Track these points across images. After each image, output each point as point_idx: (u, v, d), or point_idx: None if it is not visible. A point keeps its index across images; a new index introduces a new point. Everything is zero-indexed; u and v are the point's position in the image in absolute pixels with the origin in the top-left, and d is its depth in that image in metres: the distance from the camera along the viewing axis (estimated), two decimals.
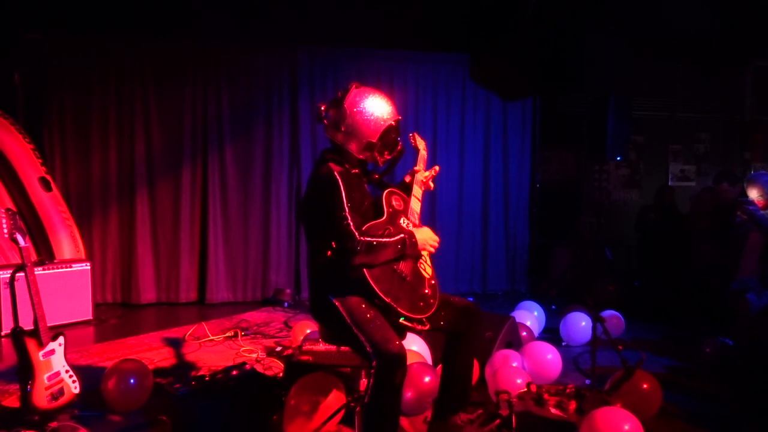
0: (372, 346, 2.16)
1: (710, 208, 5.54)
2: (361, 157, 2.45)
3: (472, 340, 2.56)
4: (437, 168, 2.82)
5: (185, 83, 5.76)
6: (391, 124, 2.44)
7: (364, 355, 2.24)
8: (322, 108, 2.49)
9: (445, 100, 6.36)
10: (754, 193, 4.34)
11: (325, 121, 2.46)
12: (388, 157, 2.51)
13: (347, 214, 2.22)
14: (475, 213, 6.50)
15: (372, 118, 2.40)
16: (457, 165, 6.41)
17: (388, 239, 2.27)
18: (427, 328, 2.38)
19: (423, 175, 2.73)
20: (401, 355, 2.16)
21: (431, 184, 2.77)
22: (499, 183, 6.56)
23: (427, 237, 2.44)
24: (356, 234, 2.20)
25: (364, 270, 2.22)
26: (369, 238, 2.22)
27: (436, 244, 2.46)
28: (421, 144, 2.86)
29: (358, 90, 2.45)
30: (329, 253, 2.31)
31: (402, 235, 2.31)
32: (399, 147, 2.51)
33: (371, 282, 2.22)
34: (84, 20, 5.53)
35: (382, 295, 2.22)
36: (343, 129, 2.42)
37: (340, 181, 2.27)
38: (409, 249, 2.34)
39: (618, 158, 6.17)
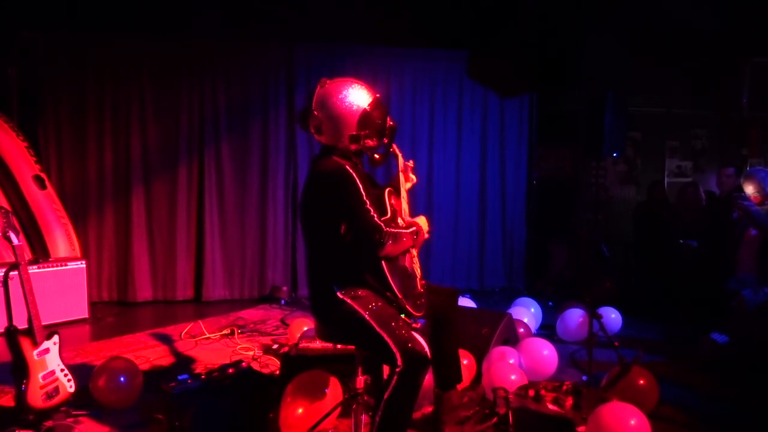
0: (397, 345, 2.12)
1: (694, 203, 5.55)
2: (353, 148, 2.34)
3: (453, 317, 2.66)
4: (411, 163, 2.75)
5: (182, 81, 5.73)
6: (365, 110, 2.30)
7: (382, 353, 2.18)
8: (300, 119, 2.40)
9: (442, 97, 6.33)
10: (750, 189, 4.35)
11: (311, 130, 2.37)
12: (385, 141, 2.42)
13: (369, 207, 2.21)
14: (471, 210, 6.48)
15: (342, 111, 2.29)
16: (454, 162, 6.39)
17: (405, 230, 2.34)
18: (418, 327, 2.39)
19: (403, 181, 2.67)
20: (427, 355, 2.16)
21: (413, 177, 2.73)
22: (496, 180, 6.55)
23: (425, 225, 2.53)
24: (383, 226, 2.20)
25: (383, 263, 2.22)
26: (393, 230, 2.25)
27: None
28: (397, 150, 2.74)
29: (322, 90, 2.34)
30: (339, 248, 2.26)
31: (414, 228, 2.40)
32: (389, 125, 2.39)
33: (388, 276, 2.23)
34: (80, 18, 5.49)
35: (396, 291, 2.23)
36: (324, 131, 2.33)
37: (354, 175, 2.23)
38: (418, 238, 2.43)
39: (615, 155, 6.18)
